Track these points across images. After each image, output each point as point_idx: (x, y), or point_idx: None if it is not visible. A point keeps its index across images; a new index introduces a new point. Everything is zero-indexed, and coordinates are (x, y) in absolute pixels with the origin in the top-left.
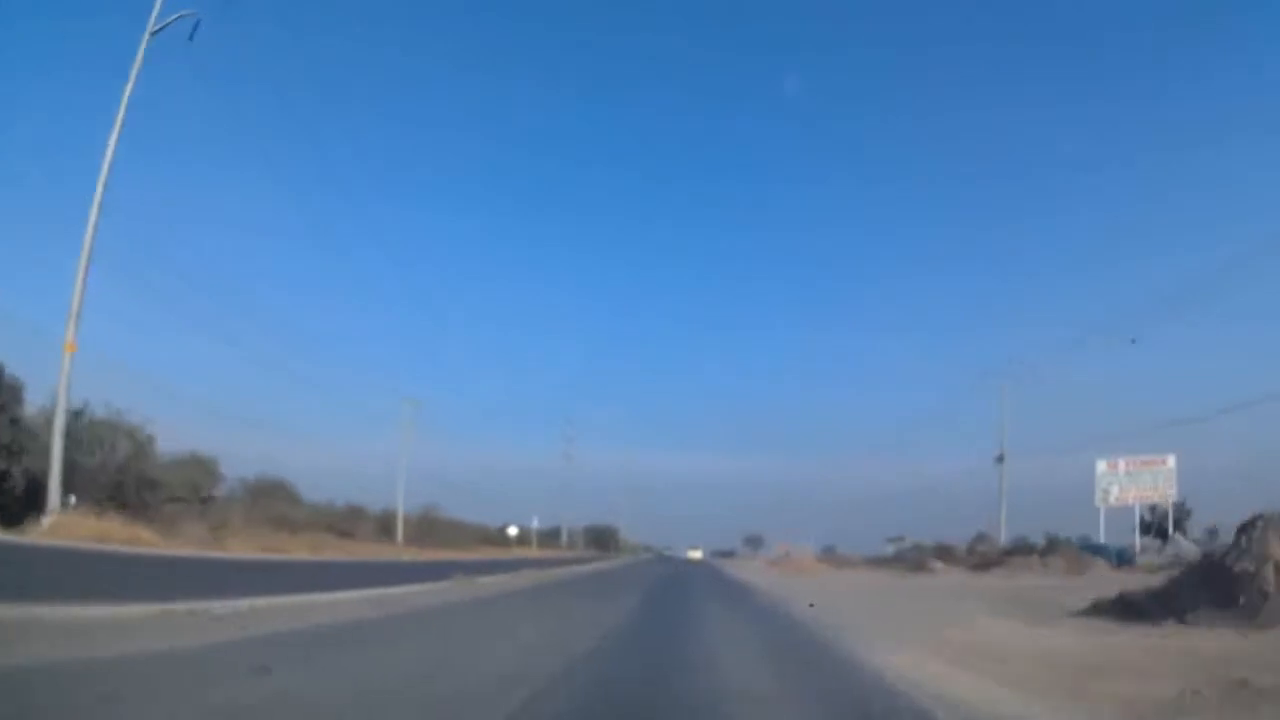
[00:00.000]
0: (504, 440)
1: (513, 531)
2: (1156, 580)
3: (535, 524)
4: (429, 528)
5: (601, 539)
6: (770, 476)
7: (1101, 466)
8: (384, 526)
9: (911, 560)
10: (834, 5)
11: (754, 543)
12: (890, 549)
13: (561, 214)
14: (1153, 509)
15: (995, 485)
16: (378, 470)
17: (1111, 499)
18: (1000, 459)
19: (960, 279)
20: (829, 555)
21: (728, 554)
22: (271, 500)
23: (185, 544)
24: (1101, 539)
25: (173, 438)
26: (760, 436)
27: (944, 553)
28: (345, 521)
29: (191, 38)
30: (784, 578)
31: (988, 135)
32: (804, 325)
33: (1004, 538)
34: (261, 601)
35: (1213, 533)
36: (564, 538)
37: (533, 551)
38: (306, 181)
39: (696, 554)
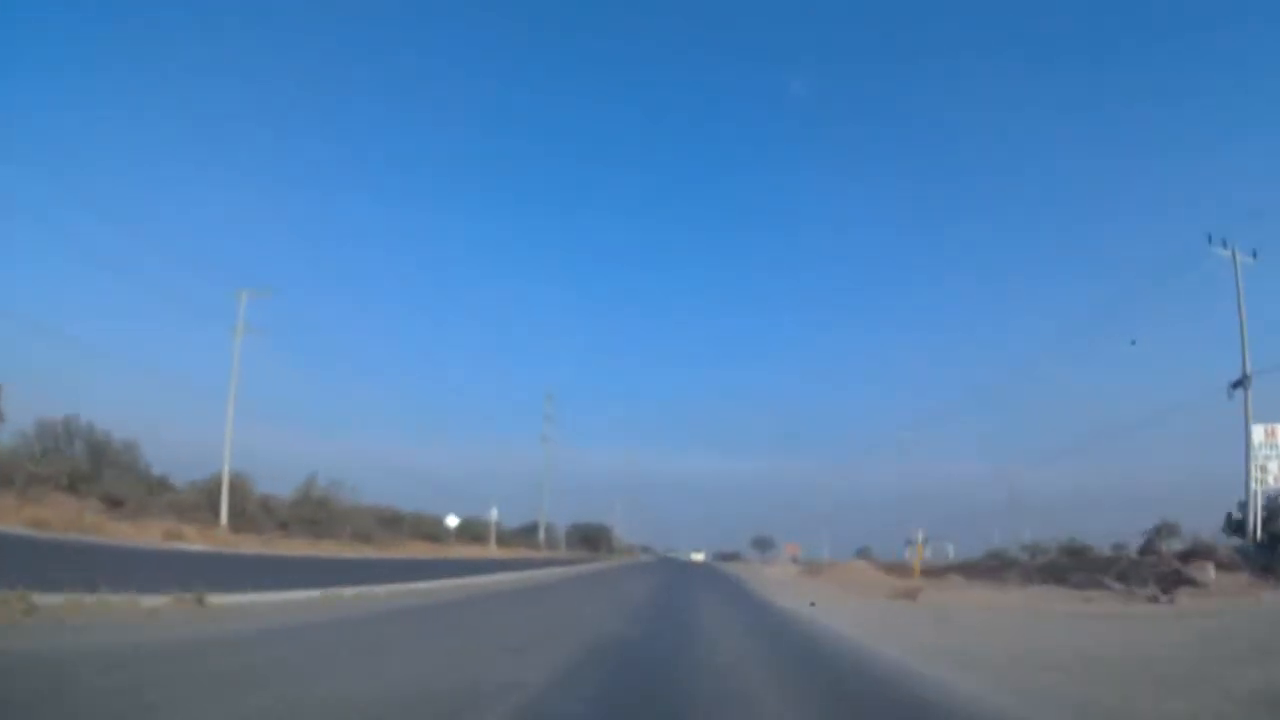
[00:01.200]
0: (499, 439)
1: (452, 523)
2: None
3: (495, 516)
4: (313, 512)
5: (591, 538)
6: (772, 479)
7: (1259, 434)
8: (230, 506)
9: (1074, 576)
10: (845, 9)
11: (763, 545)
12: (906, 552)
13: (562, 213)
14: (1241, 503)
15: (1007, 492)
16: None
17: (1272, 478)
18: (1241, 383)
19: (967, 281)
20: (869, 561)
21: (731, 557)
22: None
23: None
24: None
25: None
26: (762, 438)
27: (1075, 555)
28: (151, 493)
29: None
30: (881, 612)
31: (986, 138)
32: (810, 326)
33: (1253, 522)
34: None
35: None
36: (541, 535)
37: (488, 551)
38: (298, 178)
39: (699, 556)
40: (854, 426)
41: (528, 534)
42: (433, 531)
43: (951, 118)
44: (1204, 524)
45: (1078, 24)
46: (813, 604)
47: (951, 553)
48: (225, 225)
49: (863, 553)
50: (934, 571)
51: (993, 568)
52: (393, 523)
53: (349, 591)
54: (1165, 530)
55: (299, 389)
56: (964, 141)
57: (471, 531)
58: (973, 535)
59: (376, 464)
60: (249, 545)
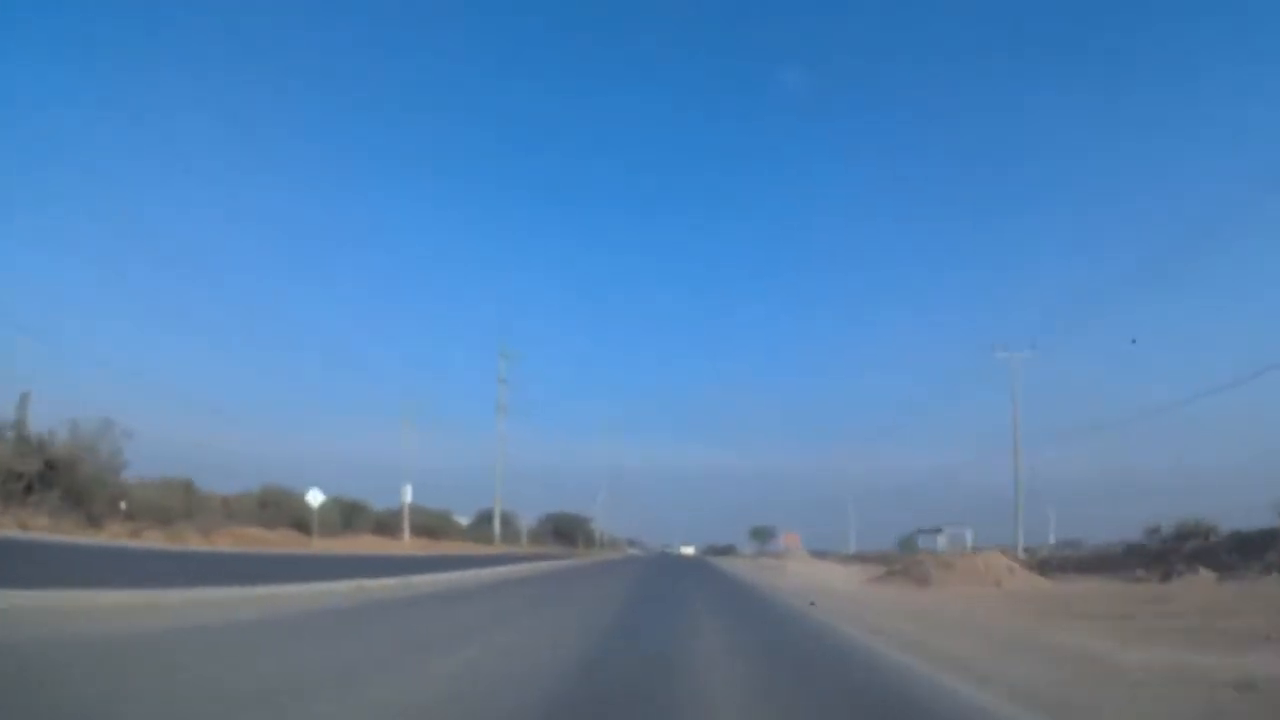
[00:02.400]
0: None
1: (314, 500)
2: None
3: (407, 497)
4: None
5: (565, 532)
6: (768, 471)
7: None
8: None
9: None
10: (844, 5)
11: (763, 536)
12: (919, 542)
13: (560, 209)
14: None
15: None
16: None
17: None
18: None
19: (958, 270)
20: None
21: (725, 550)
22: None
23: None
24: None
25: None
26: (758, 430)
27: None
28: None
29: None
30: None
31: (986, 129)
32: (808, 317)
33: None
34: None
35: None
36: (495, 527)
37: (398, 544)
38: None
39: (688, 550)
40: (852, 421)
41: (484, 525)
42: (306, 518)
43: (951, 111)
44: None
45: (1077, 16)
46: None
47: (969, 541)
48: (223, 225)
49: (907, 544)
50: (1087, 566)
51: (1184, 556)
52: (253, 509)
53: None
54: None
55: (294, 389)
56: (965, 135)
57: (390, 523)
58: (984, 524)
59: (362, 461)
60: None
